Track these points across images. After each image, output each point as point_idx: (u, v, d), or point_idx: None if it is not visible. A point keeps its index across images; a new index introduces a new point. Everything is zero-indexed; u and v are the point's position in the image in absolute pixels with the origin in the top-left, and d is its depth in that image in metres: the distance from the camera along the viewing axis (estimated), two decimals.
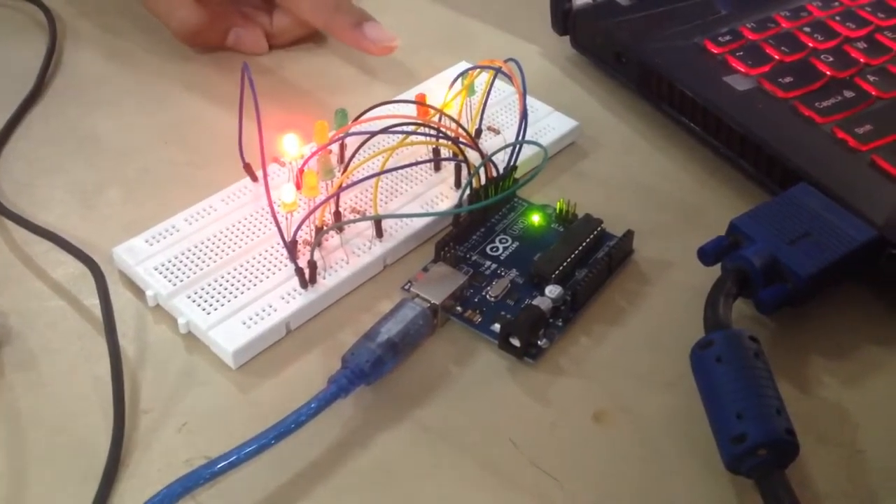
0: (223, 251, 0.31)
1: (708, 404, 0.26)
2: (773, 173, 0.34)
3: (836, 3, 0.42)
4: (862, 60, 0.38)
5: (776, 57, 0.38)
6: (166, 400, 0.27)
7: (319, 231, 0.30)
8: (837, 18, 0.40)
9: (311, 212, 0.30)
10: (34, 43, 0.42)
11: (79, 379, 0.28)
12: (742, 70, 0.37)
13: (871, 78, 0.37)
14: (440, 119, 0.33)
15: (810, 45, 0.39)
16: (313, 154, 0.31)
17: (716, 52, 0.38)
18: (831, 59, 0.38)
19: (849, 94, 0.36)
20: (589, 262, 0.32)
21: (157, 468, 0.26)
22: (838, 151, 0.34)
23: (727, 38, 0.39)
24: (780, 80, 0.37)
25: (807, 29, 0.40)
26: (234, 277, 0.30)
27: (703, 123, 0.36)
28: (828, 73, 0.37)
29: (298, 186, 0.32)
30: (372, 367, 0.27)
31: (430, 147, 0.34)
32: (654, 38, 0.39)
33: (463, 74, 0.34)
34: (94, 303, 0.30)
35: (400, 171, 0.33)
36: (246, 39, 0.41)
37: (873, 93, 0.36)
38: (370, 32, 0.39)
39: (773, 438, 0.24)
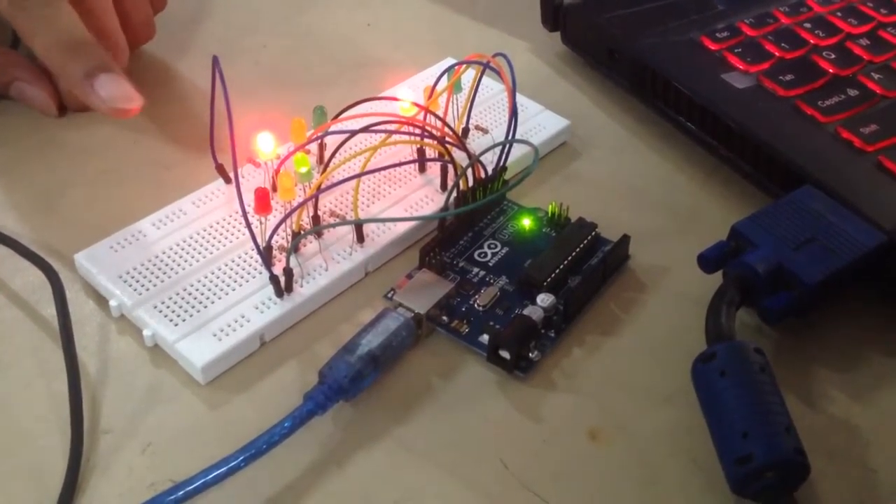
0: (193, 258, 0.29)
1: (711, 421, 0.25)
2: (774, 175, 0.33)
3: None
4: (865, 58, 0.37)
5: (776, 54, 0.37)
6: (129, 418, 0.26)
7: (296, 236, 0.29)
8: (839, 14, 0.39)
9: (287, 215, 0.28)
10: None
11: (34, 396, 0.26)
12: (741, 67, 0.36)
13: (876, 76, 0.36)
14: (425, 117, 0.32)
15: (811, 41, 0.38)
16: (290, 154, 0.30)
17: (713, 48, 0.37)
18: (833, 56, 0.37)
19: (852, 92, 0.35)
20: (582, 268, 0.31)
21: (117, 493, 0.24)
22: (843, 152, 0.33)
23: (725, 34, 0.38)
24: (780, 77, 0.35)
25: (807, 25, 0.39)
26: (204, 286, 0.29)
27: (701, 123, 0.35)
28: (830, 70, 0.36)
29: (274, 188, 0.30)
30: (351, 382, 0.26)
31: (415, 147, 0.33)
32: (648, 34, 0.38)
33: (449, 70, 0.33)
34: (53, 313, 0.28)
35: (382, 172, 0.32)
36: (29, 94, 0.36)
37: (878, 91, 0.35)
38: (102, 88, 0.32)
39: (781, 459, 0.23)
